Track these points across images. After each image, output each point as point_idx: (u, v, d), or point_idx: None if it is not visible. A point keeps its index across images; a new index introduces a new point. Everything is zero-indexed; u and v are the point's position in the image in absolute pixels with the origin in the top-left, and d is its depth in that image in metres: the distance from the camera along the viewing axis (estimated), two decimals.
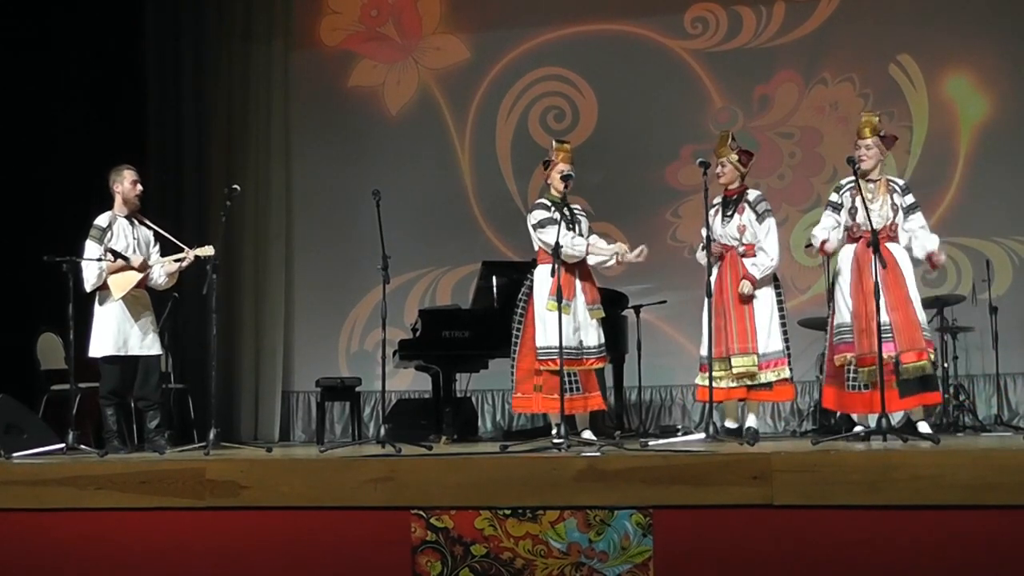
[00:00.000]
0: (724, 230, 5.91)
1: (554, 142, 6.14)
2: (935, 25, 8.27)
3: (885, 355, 5.35)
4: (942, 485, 3.91)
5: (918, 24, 8.30)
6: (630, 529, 4.13)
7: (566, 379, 5.64)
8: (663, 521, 4.11)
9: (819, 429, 7.13)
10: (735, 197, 5.97)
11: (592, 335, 5.94)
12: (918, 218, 5.64)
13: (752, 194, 6.00)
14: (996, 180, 8.04)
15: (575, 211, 6.05)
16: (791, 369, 5.94)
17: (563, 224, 5.75)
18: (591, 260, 6.03)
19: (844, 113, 8.34)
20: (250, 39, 9.31)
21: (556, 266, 5.56)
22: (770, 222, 5.94)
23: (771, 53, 8.56)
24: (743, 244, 5.89)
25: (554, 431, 5.81)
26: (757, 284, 5.86)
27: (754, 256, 5.89)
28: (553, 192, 6.03)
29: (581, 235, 5.97)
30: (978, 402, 7.70)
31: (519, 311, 6.06)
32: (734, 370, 5.79)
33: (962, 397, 7.19)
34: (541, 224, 5.90)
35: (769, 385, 5.84)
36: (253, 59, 9.28)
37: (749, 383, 5.82)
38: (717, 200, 6.03)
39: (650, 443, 5.25)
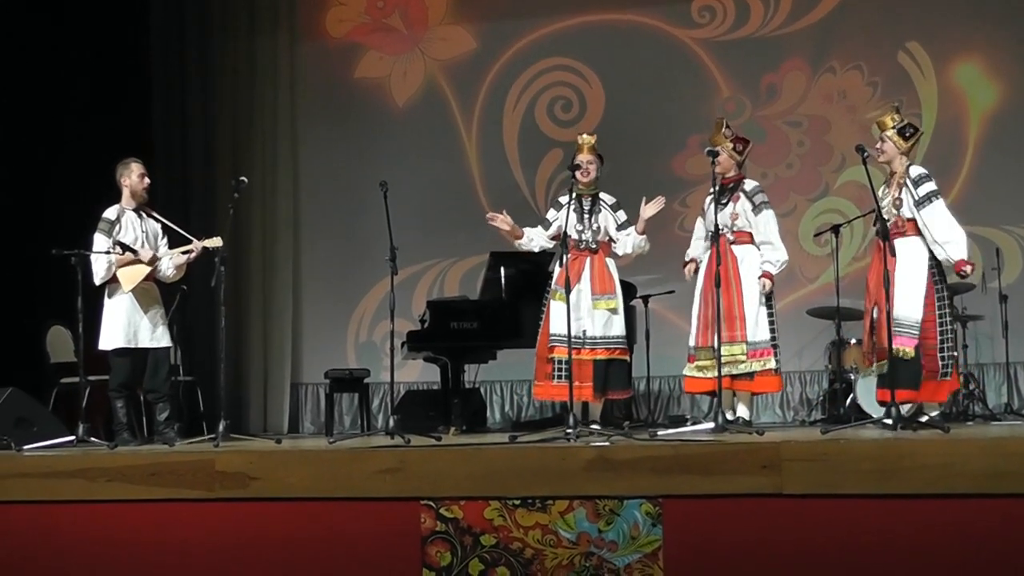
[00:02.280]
0: (716, 217, 5.88)
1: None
2: (944, 12, 8.21)
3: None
4: (952, 474, 3.90)
5: (927, 11, 8.25)
6: (640, 519, 4.13)
7: (556, 367, 5.83)
8: (673, 511, 4.12)
9: (828, 418, 7.12)
10: (731, 185, 6.00)
11: (597, 325, 5.96)
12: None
13: (749, 184, 6.05)
14: (1006, 168, 7.99)
15: (599, 200, 6.18)
16: (777, 360, 5.93)
17: (572, 214, 5.94)
18: (619, 250, 6.18)
19: (852, 102, 8.29)
20: (255, 31, 9.29)
21: (564, 255, 5.63)
22: (768, 214, 5.96)
23: (779, 42, 8.51)
24: (733, 232, 5.91)
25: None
26: (772, 279, 5.94)
27: (747, 244, 5.92)
28: (579, 185, 6.12)
29: (593, 227, 6.09)
30: (988, 391, 7.67)
31: (544, 299, 6.23)
32: (722, 358, 5.73)
33: (972, 386, 7.16)
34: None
35: (751, 375, 5.84)
36: (259, 51, 9.26)
37: (733, 372, 5.79)
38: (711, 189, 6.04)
39: (659, 433, 5.25)
